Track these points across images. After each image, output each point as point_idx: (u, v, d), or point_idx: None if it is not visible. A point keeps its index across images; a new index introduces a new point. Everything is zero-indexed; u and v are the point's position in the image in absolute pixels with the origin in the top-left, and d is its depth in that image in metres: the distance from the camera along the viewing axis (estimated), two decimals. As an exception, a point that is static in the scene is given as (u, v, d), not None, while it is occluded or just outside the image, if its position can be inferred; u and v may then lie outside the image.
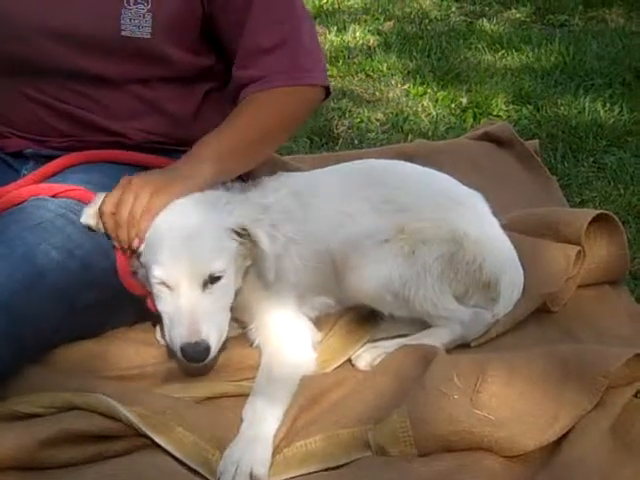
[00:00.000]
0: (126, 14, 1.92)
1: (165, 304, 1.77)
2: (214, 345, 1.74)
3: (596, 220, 2.12)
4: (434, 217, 1.92)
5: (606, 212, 2.16)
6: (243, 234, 1.79)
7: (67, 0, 1.93)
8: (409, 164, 2.14)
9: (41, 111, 2.02)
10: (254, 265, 1.86)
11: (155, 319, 1.96)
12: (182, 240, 1.75)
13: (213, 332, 1.74)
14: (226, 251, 1.78)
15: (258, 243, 1.79)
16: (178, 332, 1.72)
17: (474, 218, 1.99)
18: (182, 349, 1.72)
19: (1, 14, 1.95)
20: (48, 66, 1.97)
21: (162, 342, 1.93)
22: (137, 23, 1.92)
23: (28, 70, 1.99)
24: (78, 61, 1.95)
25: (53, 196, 1.88)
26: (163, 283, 1.75)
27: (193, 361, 1.74)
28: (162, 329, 1.86)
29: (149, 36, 1.94)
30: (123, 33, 1.92)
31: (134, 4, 1.92)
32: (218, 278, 1.76)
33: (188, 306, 1.73)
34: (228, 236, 1.78)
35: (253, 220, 1.80)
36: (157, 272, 1.74)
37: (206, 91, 2.11)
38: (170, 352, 1.84)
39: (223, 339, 1.79)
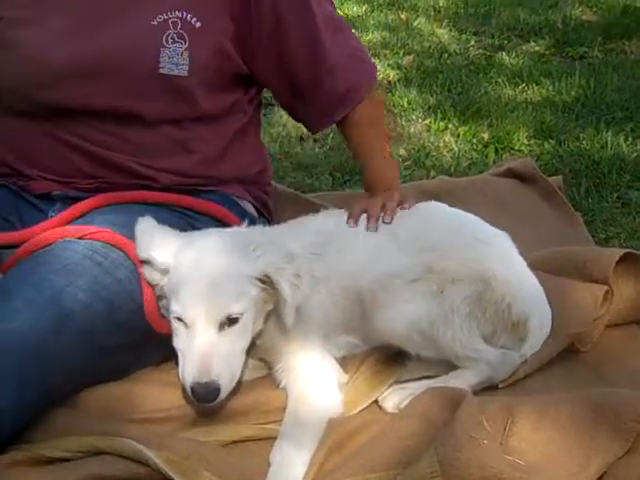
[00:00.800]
0: (165, 52, 1.95)
1: (180, 341, 1.77)
2: (225, 386, 1.74)
3: (623, 258, 2.11)
4: (462, 257, 1.92)
5: (633, 251, 2.15)
6: (266, 281, 1.80)
7: (106, 40, 1.96)
8: (437, 203, 2.15)
9: (69, 152, 2.04)
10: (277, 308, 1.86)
11: (180, 360, 1.97)
12: (204, 281, 1.75)
13: (225, 373, 1.74)
14: (246, 296, 1.78)
15: (280, 292, 1.79)
16: (190, 371, 1.73)
17: (502, 258, 1.98)
18: (192, 388, 1.72)
19: (37, 58, 1.97)
20: (80, 107, 1.99)
21: (184, 383, 1.94)
22: (175, 61, 1.96)
23: (57, 111, 2.01)
24: (112, 100, 1.98)
25: (80, 238, 1.89)
26: (180, 320, 1.76)
27: (202, 401, 1.74)
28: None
29: (186, 74, 1.97)
30: (161, 71, 1.96)
31: (172, 43, 1.95)
32: (235, 320, 1.76)
33: (202, 345, 1.73)
34: (250, 282, 1.79)
35: (277, 268, 1.80)
36: (175, 307, 1.76)
37: (235, 129, 2.14)
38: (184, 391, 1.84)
39: (235, 382, 1.79)
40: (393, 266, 1.91)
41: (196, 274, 1.76)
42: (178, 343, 1.78)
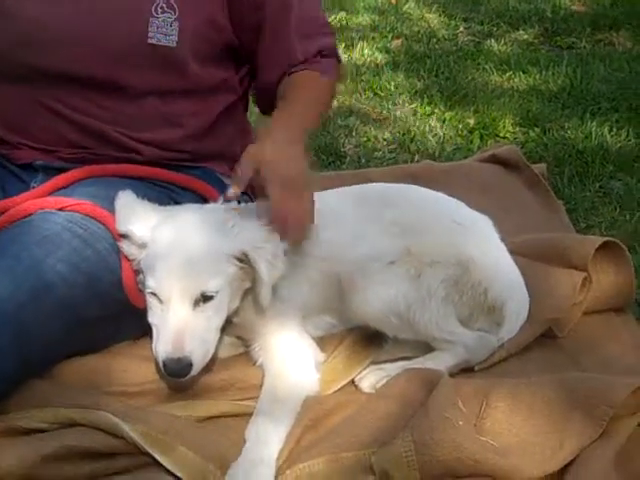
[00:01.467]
0: (154, 22, 1.94)
1: (154, 316, 1.77)
2: (197, 363, 1.74)
3: (603, 247, 2.12)
4: (441, 240, 1.92)
5: (613, 239, 2.16)
6: (244, 259, 1.79)
7: (97, 8, 1.95)
8: (418, 187, 2.15)
9: (55, 120, 2.03)
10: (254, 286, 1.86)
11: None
12: (180, 257, 1.75)
13: (198, 350, 1.74)
14: (223, 273, 1.77)
15: (257, 271, 1.79)
16: (163, 346, 1.73)
17: (481, 242, 1.99)
18: (164, 363, 1.72)
19: (31, 24, 1.96)
20: (70, 75, 1.98)
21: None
22: (164, 31, 1.94)
23: (47, 78, 1.99)
24: (101, 70, 1.97)
25: (60, 209, 1.88)
26: (155, 295, 1.76)
27: (174, 376, 1.74)
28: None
29: (174, 44, 1.95)
30: (150, 41, 1.94)
31: (162, 13, 1.94)
32: (210, 297, 1.76)
33: (175, 321, 1.73)
34: (228, 260, 1.78)
35: (255, 247, 1.79)
36: (150, 282, 1.76)
37: (224, 106, 2.13)
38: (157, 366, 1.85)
39: (208, 358, 1.79)
40: (372, 249, 1.91)
41: (173, 250, 1.76)
42: (152, 318, 1.78)
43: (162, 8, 1.94)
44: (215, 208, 1.93)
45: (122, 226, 1.84)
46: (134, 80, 1.99)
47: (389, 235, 1.93)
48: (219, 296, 1.77)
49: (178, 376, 1.74)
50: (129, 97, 2.01)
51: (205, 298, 1.75)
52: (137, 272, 1.85)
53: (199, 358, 1.74)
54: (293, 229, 1.81)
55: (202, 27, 1.99)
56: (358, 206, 2.02)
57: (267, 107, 2.14)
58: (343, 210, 2.01)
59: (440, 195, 2.10)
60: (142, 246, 1.81)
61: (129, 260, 1.85)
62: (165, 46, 1.95)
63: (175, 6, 1.95)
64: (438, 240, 1.92)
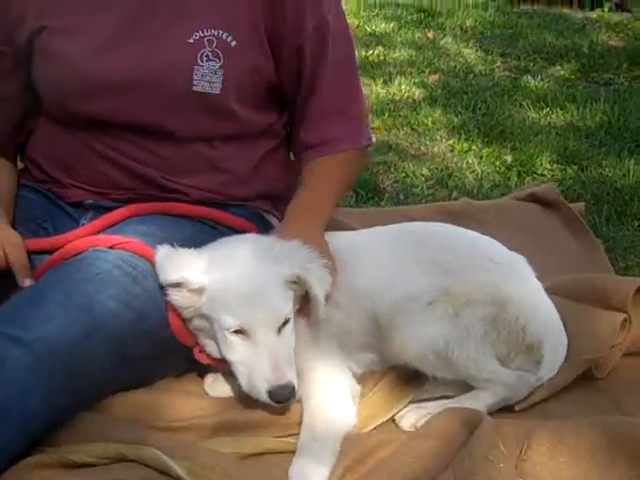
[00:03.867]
0: (199, 70, 1.98)
1: (238, 353, 1.81)
2: (297, 384, 1.80)
3: (642, 288, 2.13)
4: (478, 279, 1.94)
5: (653, 280, 2.17)
6: (297, 282, 1.85)
7: (144, 57, 1.99)
8: (455, 227, 2.17)
9: (103, 164, 2.08)
10: (299, 316, 1.90)
11: (202, 370, 2.01)
12: (252, 289, 1.80)
13: (293, 372, 1.80)
14: (289, 297, 1.84)
15: (310, 289, 1.84)
16: (263, 377, 1.77)
17: (517, 281, 2.00)
18: (270, 393, 1.77)
19: (76, 69, 2.01)
20: (114, 120, 2.03)
21: (211, 394, 1.98)
22: (209, 79, 1.99)
23: (92, 122, 2.05)
24: (146, 115, 2.01)
25: (110, 247, 1.92)
26: (238, 332, 1.79)
27: (282, 402, 1.80)
28: (223, 379, 1.96)
29: (219, 92, 2.00)
30: (195, 88, 1.99)
31: (207, 61, 1.99)
32: (287, 322, 1.82)
33: (269, 351, 1.78)
34: (286, 284, 1.84)
35: (304, 268, 1.85)
36: (229, 321, 1.79)
37: (266, 149, 2.18)
38: (238, 398, 1.92)
39: None
40: (409, 289, 1.94)
41: (240, 285, 1.80)
42: (236, 355, 1.81)
43: (207, 56, 1.99)
44: (253, 238, 1.98)
45: (174, 275, 1.82)
46: (179, 126, 2.03)
47: (426, 275, 1.96)
48: (291, 319, 1.83)
49: (285, 401, 1.80)
50: (174, 142, 2.06)
51: (283, 323, 1.81)
52: (191, 319, 1.87)
53: (296, 379, 1.80)
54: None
55: (246, 74, 2.04)
56: (395, 246, 2.05)
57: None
58: (381, 250, 2.05)
59: (476, 234, 2.12)
60: (199, 291, 1.82)
61: (180, 310, 1.86)
62: (209, 93, 2.00)
63: (220, 54, 2.00)
64: (475, 279, 1.94)
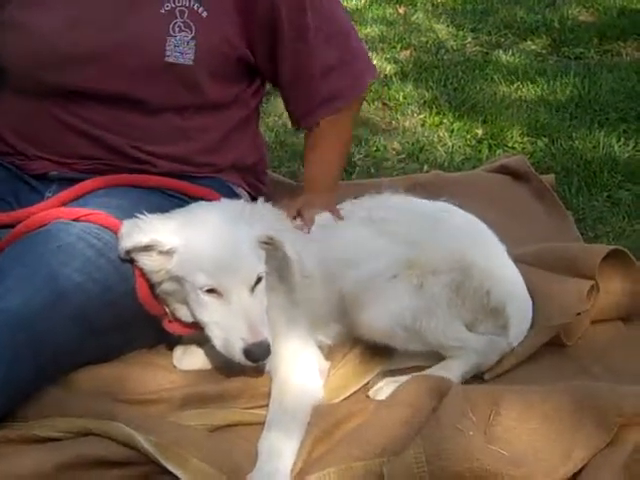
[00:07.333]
0: (171, 41, 1.97)
1: (212, 313, 1.80)
2: (271, 342, 1.78)
3: (610, 256, 2.13)
4: (442, 248, 1.95)
5: (620, 248, 2.17)
6: (269, 242, 1.85)
7: (116, 27, 1.98)
8: (414, 198, 2.16)
9: (71, 134, 2.06)
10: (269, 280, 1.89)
11: (171, 343, 1.99)
12: (225, 249, 1.79)
13: (267, 330, 1.79)
14: (262, 257, 1.84)
15: (283, 249, 1.85)
16: (238, 336, 1.76)
17: (481, 246, 2.02)
18: (246, 351, 1.76)
19: (46, 40, 1.99)
20: (84, 90, 2.01)
21: (179, 367, 1.96)
22: (181, 50, 1.98)
23: (63, 93, 2.03)
24: (119, 86, 2.00)
25: (74, 220, 1.90)
26: (212, 291, 1.78)
27: (258, 360, 1.79)
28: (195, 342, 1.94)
29: (191, 63, 1.99)
30: (167, 59, 1.98)
31: (179, 32, 1.98)
32: (259, 280, 1.81)
33: (243, 310, 1.77)
34: (259, 244, 1.84)
35: (277, 230, 1.86)
36: (202, 280, 1.78)
37: (237, 119, 2.16)
38: (213, 356, 1.91)
39: None
40: (373, 265, 1.94)
41: (212, 244, 1.80)
42: (209, 316, 1.80)
43: (179, 27, 1.98)
44: (222, 204, 1.97)
45: (144, 237, 1.81)
46: (151, 96, 2.02)
47: (389, 249, 1.96)
48: (263, 279, 1.82)
49: (262, 359, 1.79)
50: (145, 112, 2.04)
51: (256, 282, 1.80)
52: (159, 283, 1.86)
53: (271, 338, 1.79)
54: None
55: (218, 45, 2.03)
56: (357, 222, 2.06)
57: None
58: (344, 225, 2.06)
59: (440, 204, 2.13)
60: (170, 252, 1.81)
61: (150, 274, 1.85)
62: (182, 64, 1.99)
63: (192, 25, 1.98)
64: (439, 248, 1.94)
